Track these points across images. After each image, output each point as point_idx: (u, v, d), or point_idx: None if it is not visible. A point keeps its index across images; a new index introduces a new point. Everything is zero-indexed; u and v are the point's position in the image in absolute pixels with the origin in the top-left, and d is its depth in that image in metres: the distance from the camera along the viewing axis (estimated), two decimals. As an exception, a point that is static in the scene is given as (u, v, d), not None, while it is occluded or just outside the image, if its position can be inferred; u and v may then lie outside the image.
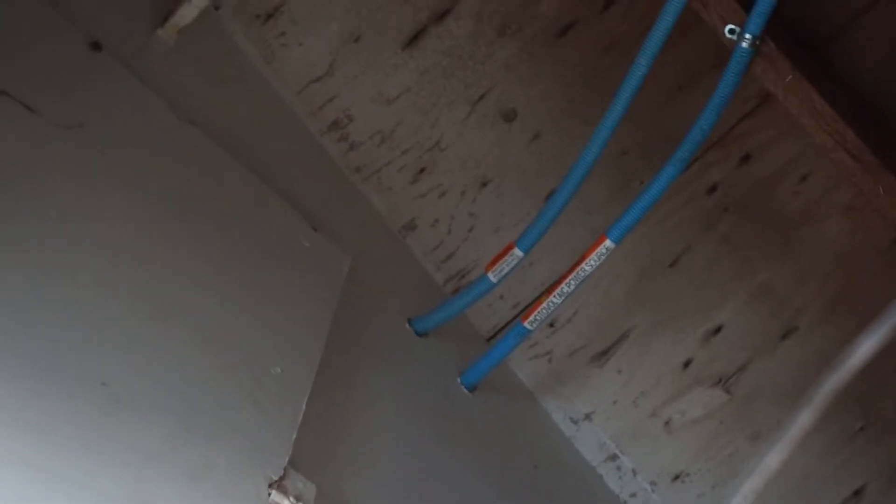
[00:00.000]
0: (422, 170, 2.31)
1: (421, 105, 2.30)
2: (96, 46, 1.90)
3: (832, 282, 2.21)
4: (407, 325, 2.16)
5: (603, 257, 2.02)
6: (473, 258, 2.32)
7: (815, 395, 0.62)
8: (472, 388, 2.17)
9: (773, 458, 0.65)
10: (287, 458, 1.57)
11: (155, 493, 1.38)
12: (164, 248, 1.72)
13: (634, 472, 2.31)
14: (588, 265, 2.02)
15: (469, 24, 2.25)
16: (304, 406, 1.67)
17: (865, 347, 0.59)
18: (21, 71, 1.71)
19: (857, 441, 2.22)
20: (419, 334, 2.16)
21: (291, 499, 1.52)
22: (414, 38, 2.26)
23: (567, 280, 2.04)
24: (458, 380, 2.16)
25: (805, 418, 0.63)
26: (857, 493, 2.23)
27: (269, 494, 1.51)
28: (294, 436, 1.62)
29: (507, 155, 2.31)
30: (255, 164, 2.06)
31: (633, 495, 2.32)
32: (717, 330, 2.27)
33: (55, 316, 1.45)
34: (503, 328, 2.29)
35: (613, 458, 2.32)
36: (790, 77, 1.95)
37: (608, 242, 2.01)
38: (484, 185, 2.32)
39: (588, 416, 2.34)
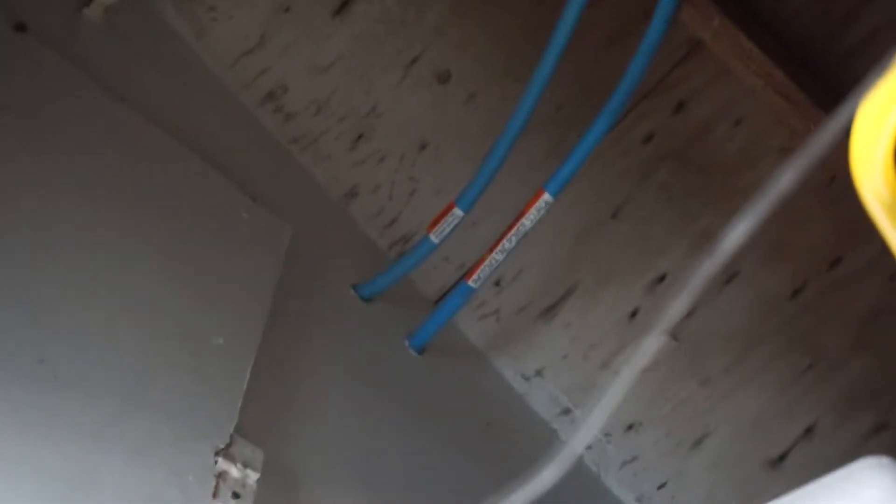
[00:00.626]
0: (359, 136, 2.31)
1: (355, 72, 2.29)
2: (21, 28, 1.89)
3: (771, 224, 2.20)
4: (352, 292, 2.16)
5: (542, 212, 2.02)
6: (416, 222, 2.32)
7: (691, 281, 0.61)
8: (420, 351, 2.17)
9: (649, 345, 0.64)
10: (233, 427, 1.58)
11: (100, 469, 1.38)
12: (99, 225, 1.71)
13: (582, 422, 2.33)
14: (528, 220, 2.03)
15: (397, -12, 2.25)
16: (247, 375, 1.68)
17: (738, 232, 0.58)
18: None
19: (806, 379, 2.24)
20: (365, 300, 2.16)
21: (239, 465, 1.53)
22: (344, 5, 2.26)
23: (508, 236, 2.05)
24: (406, 343, 2.17)
25: (680, 304, 0.62)
26: (809, 430, 2.25)
27: (216, 462, 1.51)
28: (239, 404, 1.62)
29: (443, 117, 2.31)
30: (191, 140, 2.05)
31: (589, 447, 2.33)
32: (662, 278, 2.28)
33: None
34: (450, 290, 2.30)
35: (567, 412, 2.34)
36: (717, 21, 1.96)
37: (546, 196, 2.02)
38: (422, 148, 2.32)
39: (539, 372, 2.34)
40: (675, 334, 2.27)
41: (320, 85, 2.30)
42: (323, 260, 2.17)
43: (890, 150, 0.78)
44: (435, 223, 2.11)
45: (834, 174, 2.12)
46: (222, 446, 1.54)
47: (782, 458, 2.25)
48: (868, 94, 0.71)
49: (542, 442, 2.28)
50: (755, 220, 0.70)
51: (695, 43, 2.17)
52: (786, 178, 0.76)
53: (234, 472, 1.52)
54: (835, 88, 2.14)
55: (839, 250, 2.20)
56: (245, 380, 1.67)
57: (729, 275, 2.23)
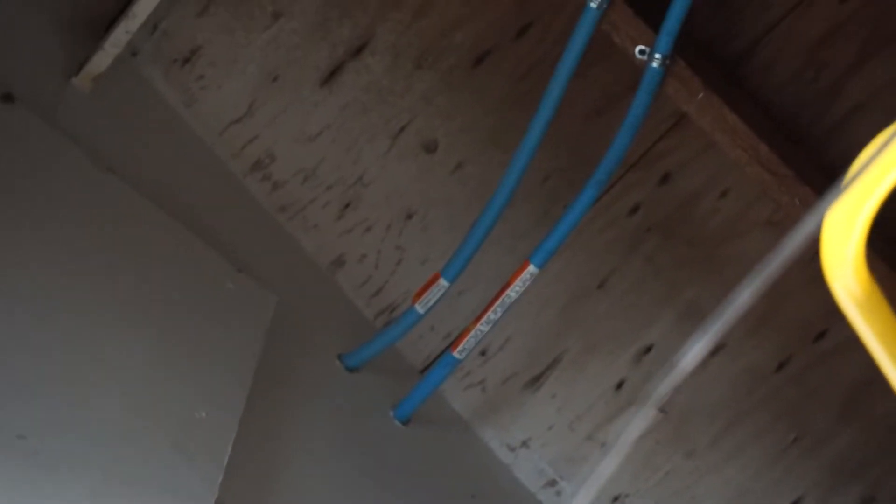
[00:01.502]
0: (347, 205, 2.31)
1: (342, 141, 2.30)
2: (8, 98, 1.90)
3: (757, 297, 2.21)
4: (337, 361, 2.15)
5: (527, 283, 2.03)
6: (402, 291, 2.32)
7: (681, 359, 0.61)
8: (405, 422, 2.16)
9: (637, 425, 0.63)
10: (213, 501, 1.57)
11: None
12: (81, 297, 1.71)
13: (574, 496, 2.31)
14: (513, 291, 2.03)
15: (386, 58, 2.26)
16: (229, 448, 1.67)
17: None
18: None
19: (791, 452, 2.23)
20: (350, 370, 2.15)
21: (219, 543, 1.52)
22: (332, 74, 2.27)
23: (493, 307, 2.05)
24: (391, 413, 2.16)
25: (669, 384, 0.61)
26: (795, 504, 2.24)
27: (196, 539, 1.50)
28: (220, 478, 1.61)
29: (430, 186, 2.31)
30: (177, 209, 2.06)
31: (574, 520, 2.32)
32: (648, 349, 2.27)
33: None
34: (436, 359, 2.29)
35: (552, 483, 2.32)
36: (701, 94, 1.98)
37: (531, 268, 2.02)
38: (409, 217, 2.32)
39: (525, 443, 2.33)
40: (662, 406, 2.27)
41: (308, 154, 2.31)
42: (309, 329, 2.17)
43: (861, 248, 0.78)
44: (420, 294, 2.11)
45: (818, 249, 2.12)
46: (202, 522, 1.53)
47: (769, 532, 2.23)
48: (837, 198, 0.72)
49: (527, 514, 2.27)
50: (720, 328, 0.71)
51: (680, 115, 2.18)
52: (746, 295, 0.78)
53: (215, 549, 1.51)
54: (821, 161, 2.15)
55: (824, 323, 2.19)
56: (227, 453, 1.66)
57: (715, 347, 2.22)
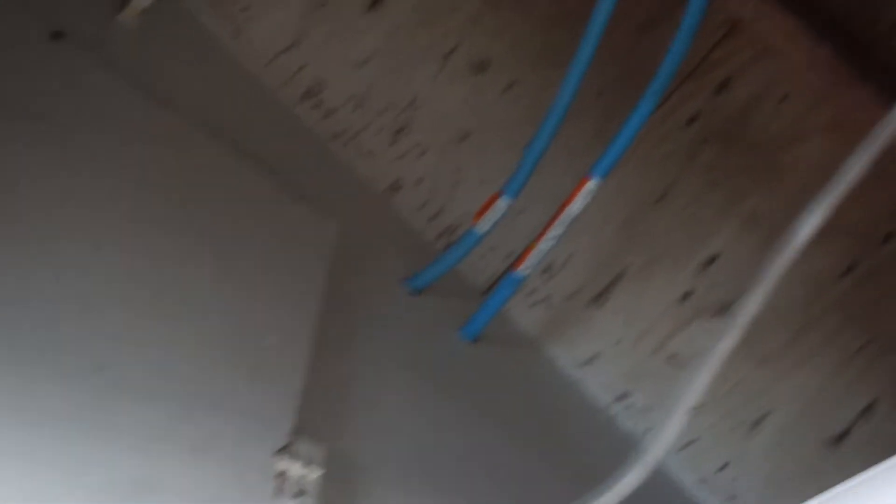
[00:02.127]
0: (400, 130, 2.29)
1: (392, 65, 2.28)
2: (58, 35, 1.88)
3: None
4: (401, 285, 2.14)
5: (588, 197, 2.01)
6: (461, 212, 2.30)
7: (763, 275, 0.60)
8: (473, 341, 2.16)
9: (726, 343, 0.63)
10: (291, 424, 1.56)
11: (162, 469, 1.37)
12: (147, 232, 1.70)
13: (646, 410, 2.30)
14: (574, 207, 2.01)
15: (430, -22, 2.24)
16: (303, 372, 1.66)
17: (808, 226, 0.57)
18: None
19: (863, 356, 2.21)
20: (414, 293, 2.14)
21: (301, 463, 1.51)
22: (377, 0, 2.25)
23: (555, 223, 2.03)
24: (458, 334, 2.15)
25: (756, 298, 0.61)
26: (869, 407, 2.21)
27: (277, 461, 1.50)
28: (297, 402, 1.61)
29: (483, 107, 2.29)
30: (231, 140, 2.04)
31: (647, 432, 2.30)
32: (712, 259, 2.25)
33: (43, 305, 1.43)
34: (498, 280, 2.28)
35: (622, 397, 2.31)
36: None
37: (592, 182, 2.00)
38: (463, 139, 2.30)
39: (592, 359, 2.32)
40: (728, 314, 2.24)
41: (358, 80, 2.29)
42: (371, 255, 2.15)
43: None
44: (480, 213, 2.09)
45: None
46: (282, 445, 1.52)
47: (843, 436, 2.21)
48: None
49: (599, 429, 2.26)
50: (824, 213, 0.69)
51: (735, 21, 2.14)
52: (853, 170, 0.76)
53: (296, 469, 1.51)
54: (876, 64, 2.11)
55: (890, 225, 2.17)
56: (301, 378, 1.65)
57: (780, 254, 2.20)
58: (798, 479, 2.23)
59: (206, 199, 1.89)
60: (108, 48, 1.99)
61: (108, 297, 1.53)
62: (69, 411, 1.33)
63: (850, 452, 2.22)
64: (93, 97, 1.87)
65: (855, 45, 2.12)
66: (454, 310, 2.18)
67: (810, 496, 0.94)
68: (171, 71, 2.11)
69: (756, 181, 2.22)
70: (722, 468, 2.28)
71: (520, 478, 1.94)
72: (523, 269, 2.07)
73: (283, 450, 1.52)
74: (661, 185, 2.25)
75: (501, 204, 2.08)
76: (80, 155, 1.72)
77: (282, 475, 1.49)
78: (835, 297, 2.20)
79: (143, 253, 1.66)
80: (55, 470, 1.26)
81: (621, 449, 2.24)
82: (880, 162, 2.12)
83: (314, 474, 1.51)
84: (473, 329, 2.15)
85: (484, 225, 2.08)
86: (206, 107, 2.09)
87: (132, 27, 2.08)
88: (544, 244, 2.05)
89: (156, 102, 1.96)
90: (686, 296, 2.27)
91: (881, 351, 2.19)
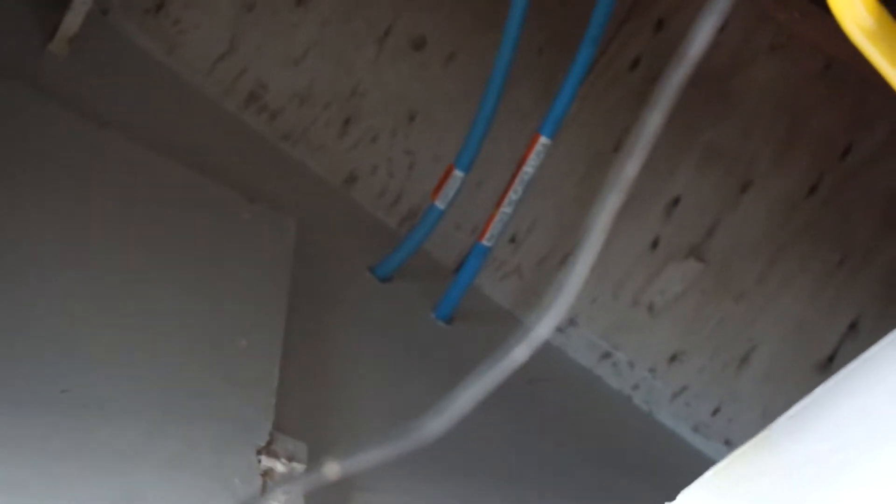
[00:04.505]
0: (347, 120, 2.28)
1: (330, 56, 2.26)
2: (-15, 72, 1.87)
3: (776, 124, 2.17)
4: (369, 274, 2.12)
5: (542, 156, 1.99)
6: (422, 194, 2.29)
7: (660, 94, 0.57)
8: (448, 321, 2.14)
9: (630, 168, 0.61)
10: (271, 424, 1.55)
11: (142, 486, 1.35)
12: (108, 250, 1.69)
13: (631, 365, 2.28)
14: (529, 167, 1.99)
15: (356, -37, 2.22)
16: (277, 371, 1.65)
17: (701, 36, 0.55)
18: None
19: (841, 273, 2.19)
20: (383, 280, 2.13)
21: (283, 460, 1.50)
22: (306, -8, 2.23)
23: (513, 187, 2.01)
24: (433, 315, 2.13)
25: (655, 119, 0.59)
26: (853, 325, 2.20)
27: (260, 461, 1.48)
28: (273, 400, 1.59)
29: (427, 83, 2.28)
30: (180, 153, 2.03)
31: (636, 387, 2.29)
32: (676, 202, 2.24)
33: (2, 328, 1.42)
34: (466, 256, 2.26)
35: (607, 355, 2.30)
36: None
37: (543, 139, 1.98)
38: (412, 119, 2.28)
39: (572, 321, 2.31)
40: (699, 255, 2.23)
41: (299, 76, 2.27)
42: (335, 248, 2.14)
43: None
44: (438, 189, 2.07)
45: (828, 61, 2.08)
46: (263, 444, 1.51)
47: (831, 358, 2.20)
48: None
49: (588, 390, 2.25)
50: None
51: (662, -42, 2.13)
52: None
53: (280, 467, 1.49)
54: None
55: (848, 138, 2.15)
56: (275, 376, 1.64)
57: (742, 184, 2.19)
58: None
59: (163, 212, 1.87)
60: (41, 78, 1.97)
61: (69, 319, 1.51)
62: (38, 438, 1.31)
63: (841, 373, 2.20)
64: (33, 128, 1.85)
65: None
66: (427, 293, 2.16)
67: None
68: (111, 94, 2.09)
69: (708, 115, 2.20)
70: (715, 412, 2.26)
71: (512, 456, 1.91)
72: (488, 238, 2.06)
73: (264, 449, 1.50)
74: (615, 133, 2.24)
75: (457, 175, 2.06)
76: (28, 185, 1.71)
77: (267, 473, 1.48)
78: (803, 220, 2.19)
79: (104, 271, 1.64)
80: (31, 499, 1.24)
81: (612, 409, 2.23)
82: (824, 75, 2.11)
83: (298, 471, 1.49)
84: (446, 308, 2.13)
85: (443, 200, 2.06)
86: (152, 124, 2.08)
87: (63, 55, 2.07)
88: (505, 210, 2.03)
89: (99, 126, 1.94)
90: (656, 242, 2.26)
91: (857, 266, 2.18)
